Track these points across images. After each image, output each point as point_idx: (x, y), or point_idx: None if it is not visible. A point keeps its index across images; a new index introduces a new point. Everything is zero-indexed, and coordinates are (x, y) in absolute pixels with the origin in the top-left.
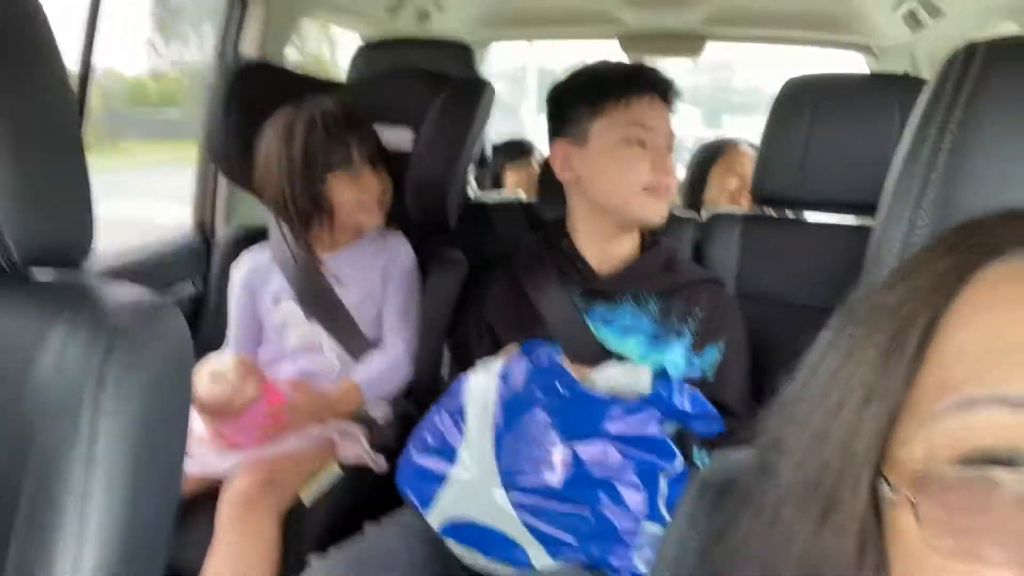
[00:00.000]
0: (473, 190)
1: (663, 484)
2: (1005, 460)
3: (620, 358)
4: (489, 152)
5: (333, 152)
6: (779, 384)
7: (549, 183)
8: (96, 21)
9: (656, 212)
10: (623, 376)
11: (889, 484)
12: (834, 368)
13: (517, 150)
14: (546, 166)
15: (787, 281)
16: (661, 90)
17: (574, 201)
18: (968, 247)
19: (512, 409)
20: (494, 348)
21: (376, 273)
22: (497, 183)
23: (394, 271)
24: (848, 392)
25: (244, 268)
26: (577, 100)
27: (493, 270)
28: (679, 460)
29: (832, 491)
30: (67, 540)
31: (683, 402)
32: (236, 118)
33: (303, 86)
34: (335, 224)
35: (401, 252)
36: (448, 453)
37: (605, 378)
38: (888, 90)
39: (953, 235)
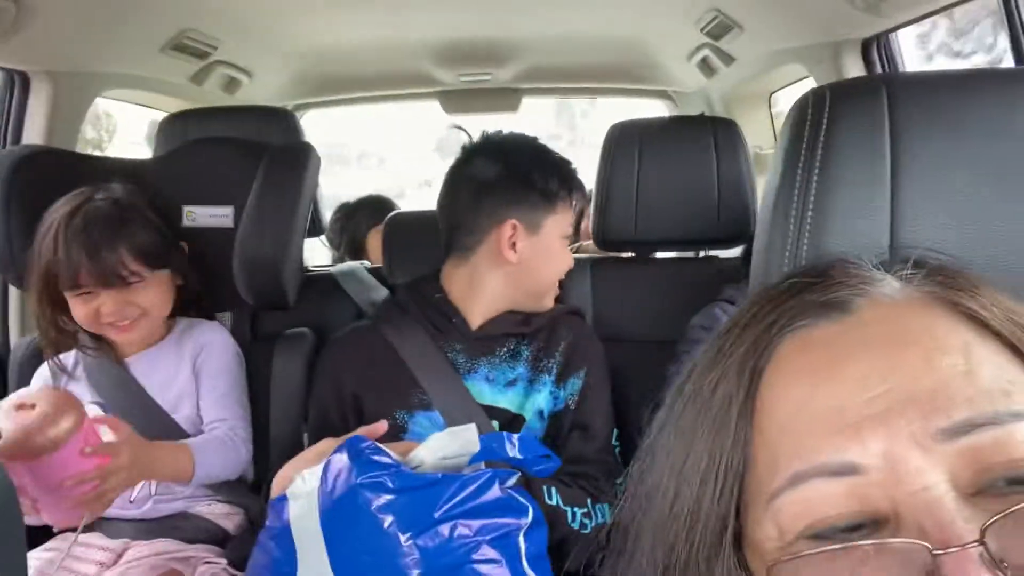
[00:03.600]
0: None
1: (521, 541)
2: (850, 527)
3: (503, 412)
4: (326, 215)
5: (62, 272)
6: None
7: (397, 245)
8: None
9: (551, 303)
10: (449, 442)
11: (747, 568)
12: (669, 453)
13: (381, 210)
14: (391, 225)
15: (638, 318)
16: None
17: (490, 275)
18: (761, 324)
19: (340, 520)
20: (361, 422)
21: (186, 367)
22: (356, 248)
23: (208, 362)
24: (684, 480)
25: (44, 371)
26: (533, 188)
27: (350, 335)
28: (531, 510)
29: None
30: None
31: (513, 450)
32: (18, 214)
33: (97, 169)
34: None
35: (213, 340)
36: None
37: (432, 450)
38: (703, 130)
39: (747, 310)
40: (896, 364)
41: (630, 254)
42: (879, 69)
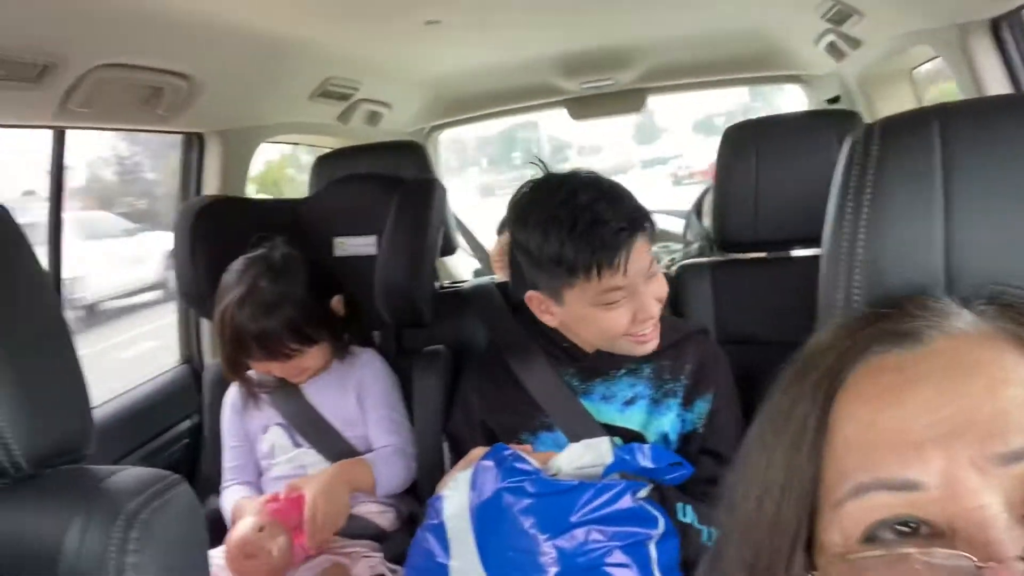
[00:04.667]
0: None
1: (652, 550)
2: (901, 523)
3: (625, 432)
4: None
5: (240, 348)
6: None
7: (517, 266)
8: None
9: (641, 349)
10: (586, 453)
11: (814, 568)
12: (756, 465)
13: None
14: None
15: (762, 319)
16: (632, 237)
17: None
18: (837, 349)
19: (488, 519)
20: (491, 440)
21: (351, 394)
22: None
23: (368, 389)
24: (766, 489)
25: (234, 395)
26: (545, 270)
27: (476, 362)
28: (662, 521)
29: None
30: None
31: (645, 460)
32: (202, 256)
33: (262, 212)
34: None
35: (370, 369)
36: (439, 572)
37: (569, 460)
38: (824, 124)
39: (828, 336)
40: (960, 392)
41: (752, 255)
42: (1012, 48)
